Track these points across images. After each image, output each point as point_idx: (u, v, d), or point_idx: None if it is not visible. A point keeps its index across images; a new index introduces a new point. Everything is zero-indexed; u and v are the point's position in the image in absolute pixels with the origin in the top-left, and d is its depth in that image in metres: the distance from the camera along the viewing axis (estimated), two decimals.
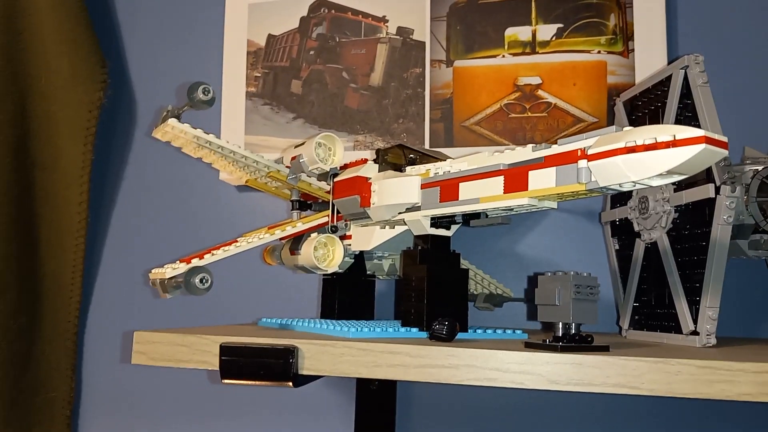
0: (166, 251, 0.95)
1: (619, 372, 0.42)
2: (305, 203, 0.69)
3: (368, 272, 0.69)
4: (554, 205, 0.49)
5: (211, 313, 0.92)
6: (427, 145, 0.83)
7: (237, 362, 0.47)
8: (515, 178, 0.48)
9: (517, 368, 0.43)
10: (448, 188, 0.53)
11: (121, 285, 0.97)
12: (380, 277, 0.71)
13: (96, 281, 0.98)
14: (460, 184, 0.52)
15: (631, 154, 0.39)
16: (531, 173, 0.47)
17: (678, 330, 0.57)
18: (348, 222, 0.66)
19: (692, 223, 0.58)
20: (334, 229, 0.65)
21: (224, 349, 0.47)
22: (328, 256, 0.64)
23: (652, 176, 0.39)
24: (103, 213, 0.99)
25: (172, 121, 0.58)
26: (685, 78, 0.60)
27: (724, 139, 0.38)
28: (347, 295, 0.68)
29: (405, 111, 0.86)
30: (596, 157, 0.41)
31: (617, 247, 0.71)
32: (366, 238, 0.64)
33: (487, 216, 0.53)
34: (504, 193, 0.49)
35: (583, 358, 0.43)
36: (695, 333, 0.55)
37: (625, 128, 0.41)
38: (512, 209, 0.50)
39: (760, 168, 0.61)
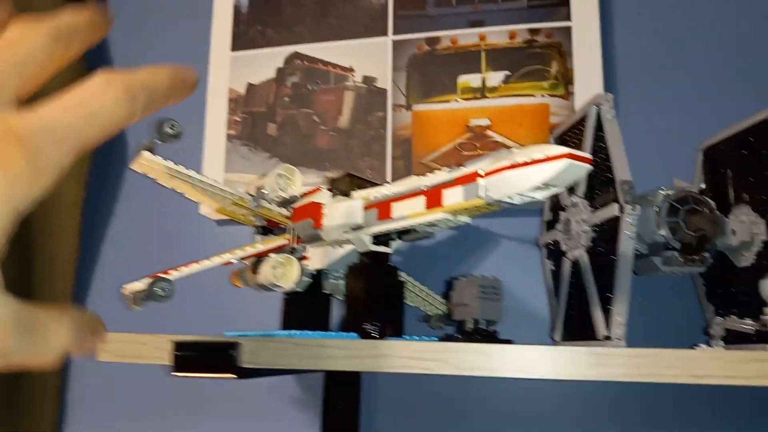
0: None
1: (516, 358, 0.49)
2: (268, 229, 0.77)
3: (326, 291, 0.76)
4: (468, 219, 0.56)
5: (181, 328, 0.98)
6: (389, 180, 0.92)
7: (187, 357, 0.53)
8: (433, 196, 0.56)
9: (429, 356, 0.50)
10: (384, 208, 0.61)
11: (108, 310, 1.04)
12: (339, 298, 0.78)
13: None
14: (392, 204, 0.60)
15: (513, 170, 0.47)
16: (444, 192, 0.54)
17: (594, 336, 0.63)
18: (306, 244, 0.73)
19: (605, 240, 0.65)
20: (293, 251, 0.72)
21: (177, 345, 0.54)
22: (286, 274, 0.71)
23: (530, 188, 0.46)
24: (93, 245, 1.07)
25: (145, 153, 0.66)
26: (598, 114, 0.68)
27: (588, 156, 0.45)
28: (305, 311, 0.74)
29: (369, 150, 0.94)
30: (489, 174, 0.49)
31: (552, 267, 0.78)
32: (320, 257, 0.71)
33: (416, 231, 0.60)
34: (426, 209, 0.56)
35: (485, 347, 0.49)
36: (608, 338, 0.61)
37: (513, 150, 0.49)
38: (434, 224, 0.58)
39: (670, 192, 0.68)
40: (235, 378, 0.52)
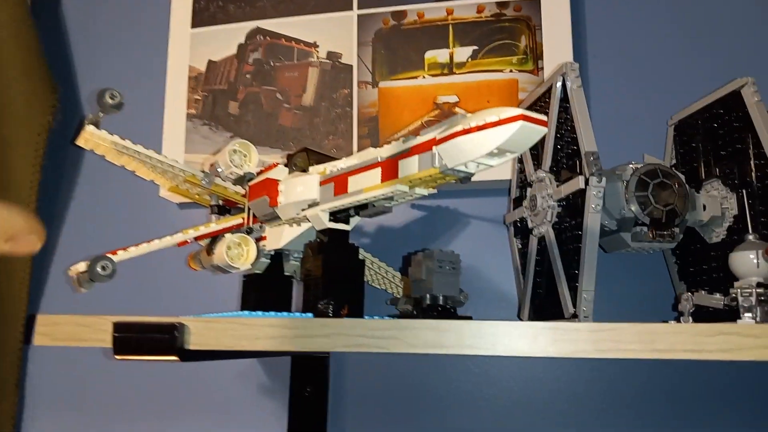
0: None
1: (473, 335, 0.46)
2: (225, 209, 0.74)
3: (286, 273, 0.73)
4: (425, 192, 0.53)
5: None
6: None
7: (128, 338, 0.50)
8: (389, 168, 0.53)
9: (381, 334, 0.47)
10: (340, 183, 0.58)
11: (67, 300, 1.01)
12: (299, 280, 0.75)
13: (42, 297, 1.02)
14: (349, 178, 0.57)
15: (467, 135, 0.44)
16: (400, 162, 0.52)
17: (562, 315, 0.61)
18: (263, 224, 0.70)
19: (571, 215, 0.62)
20: (249, 231, 0.69)
21: (117, 326, 0.51)
22: (242, 255, 0.68)
23: (485, 154, 0.44)
24: (52, 231, 1.03)
25: (90, 128, 0.63)
26: (564, 84, 0.65)
27: (543, 117, 0.43)
28: (265, 294, 0.71)
29: (335, 128, 0.91)
30: (442, 141, 0.46)
31: (519, 246, 0.76)
32: (277, 236, 0.68)
33: (374, 206, 0.57)
34: (381, 182, 0.54)
35: (440, 323, 0.47)
36: (575, 316, 0.59)
37: (468, 114, 0.46)
38: (392, 197, 0.55)
39: (639, 165, 0.66)
40: (177, 360, 0.49)
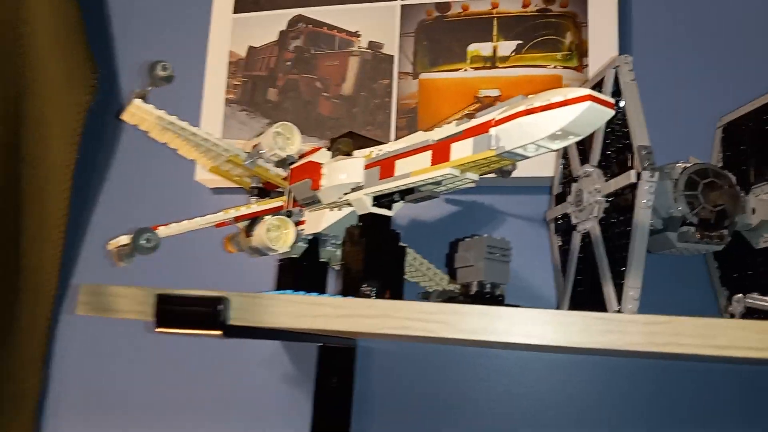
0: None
1: (522, 322, 0.45)
2: (265, 192, 0.73)
3: (323, 260, 0.73)
4: (475, 177, 0.52)
5: None
6: None
7: (170, 311, 0.50)
8: (440, 151, 0.52)
9: (430, 317, 0.46)
10: (386, 166, 0.57)
11: (98, 278, 1.01)
12: (336, 267, 0.74)
13: (73, 277, 1.02)
14: (396, 162, 0.56)
15: (529, 115, 0.43)
16: (453, 145, 0.51)
17: (605, 311, 0.60)
18: (303, 208, 0.69)
19: (619, 210, 0.61)
20: (289, 214, 0.69)
21: (160, 299, 0.50)
22: (281, 237, 0.67)
23: (547, 136, 0.43)
24: (85, 211, 1.03)
25: (137, 101, 0.62)
26: (616, 77, 0.64)
27: (611, 100, 0.42)
28: (299, 278, 0.70)
29: (373, 119, 0.90)
30: (502, 122, 0.45)
31: (560, 243, 0.74)
32: (317, 221, 0.67)
33: (420, 191, 0.56)
34: (431, 165, 0.53)
35: (491, 309, 0.45)
36: (619, 312, 0.58)
37: (530, 96, 0.45)
38: (439, 182, 0.54)
39: (689, 165, 0.65)
40: (220, 336, 0.49)
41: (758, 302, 0.62)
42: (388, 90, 0.90)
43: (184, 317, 0.49)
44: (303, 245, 0.70)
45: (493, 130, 0.46)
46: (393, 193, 0.59)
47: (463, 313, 0.46)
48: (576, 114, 0.40)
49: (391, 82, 0.90)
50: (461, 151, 0.50)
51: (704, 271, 0.77)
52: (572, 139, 0.44)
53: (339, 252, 0.74)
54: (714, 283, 0.75)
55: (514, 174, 0.65)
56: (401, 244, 0.62)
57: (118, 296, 0.52)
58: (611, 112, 0.41)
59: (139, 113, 0.64)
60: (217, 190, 0.98)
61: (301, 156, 0.69)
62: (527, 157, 0.47)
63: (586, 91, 0.40)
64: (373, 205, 0.60)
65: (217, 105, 0.96)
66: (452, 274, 0.56)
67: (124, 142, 1.05)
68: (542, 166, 0.82)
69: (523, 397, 0.84)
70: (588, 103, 0.40)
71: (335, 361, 0.88)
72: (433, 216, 0.91)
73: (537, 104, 0.42)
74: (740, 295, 0.64)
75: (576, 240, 0.68)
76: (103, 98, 1.02)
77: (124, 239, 0.59)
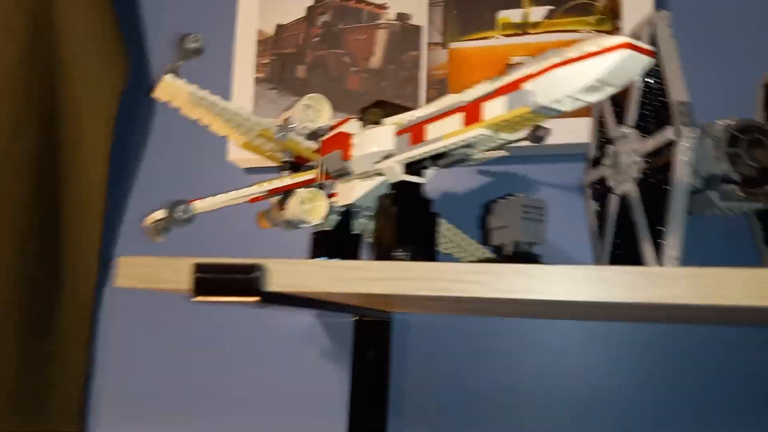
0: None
1: (560, 279, 0.44)
2: (296, 165, 0.73)
3: (356, 232, 0.72)
4: (509, 137, 0.51)
5: None
6: None
7: (208, 279, 0.50)
8: (472, 111, 0.51)
9: (467, 278, 0.46)
10: (417, 132, 0.57)
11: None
12: (368, 240, 0.74)
13: (112, 259, 1.04)
14: (427, 126, 0.56)
15: (564, 66, 0.42)
16: (485, 105, 0.50)
17: None
18: (335, 180, 0.69)
19: (658, 170, 0.59)
20: (321, 186, 0.69)
21: (198, 267, 0.51)
22: (314, 209, 0.67)
23: (584, 87, 0.42)
24: (121, 194, 1.05)
25: (168, 76, 0.63)
26: (653, 35, 0.62)
27: (649, 47, 0.40)
28: (333, 250, 0.70)
29: (402, 92, 0.90)
30: (536, 75, 0.44)
31: (597, 207, 0.73)
32: (349, 192, 0.67)
33: (452, 155, 0.56)
34: (463, 127, 0.52)
35: (527, 268, 0.45)
36: None
37: (563, 48, 0.44)
38: (472, 144, 0.53)
39: (730, 122, 0.63)
40: (258, 302, 0.49)
41: None
42: (416, 61, 0.89)
43: (222, 285, 0.50)
44: (336, 217, 0.70)
45: (526, 85, 0.45)
46: (425, 159, 0.58)
47: (500, 272, 0.45)
48: (613, 62, 0.39)
49: (420, 54, 0.89)
50: (494, 109, 0.49)
51: (748, 232, 0.75)
52: (609, 91, 0.42)
53: (371, 224, 0.73)
54: (758, 244, 0.73)
55: (549, 141, 0.64)
56: (434, 211, 0.61)
57: (155, 266, 0.53)
58: (649, 60, 0.40)
59: (170, 89, 0.64)
60: (250, 170, 0.99)
61: (332, 128, 0.69)
62: (564, 111, 0.46)
63: (623, 39, 0.39)
64: (405, 172, 0.60)
65: (246, 84, 0.96)
66: (486, 236, 0.56)
67: (158, 125, 1.06)
68: (577, 133, 0.81)
69: (562, 369, 0.83)
70: (625, 51, 0.39)
71: (371, 334, 0.88)
72: (467, 187, 0.90)
73: (571, 55, 0.41)
74: None
75: (613, 203, 0.66)
76: (134, 80, 1.03)
77: (160, 213, 0.60)
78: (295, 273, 0.49)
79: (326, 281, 0.48)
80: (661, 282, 0.42)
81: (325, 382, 0.91)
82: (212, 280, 0.50)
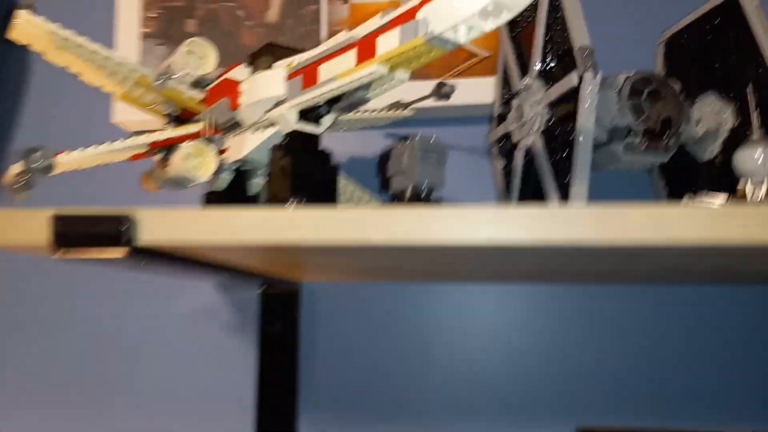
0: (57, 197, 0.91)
1: (466, 221, 0.41)
2: (181, 119, 0.67)
3: (251, 194, 0.67)
4: (407, 75, 0.48)
5: None
6: None
7: (69, 232, 0.44)
8: (365, 47, 0.47)
9: (361, 222, 0.42)
10: (310, 74, 0.52)
11: None
12: (264, 202, 0.69)
13: None
14: (319, 67, 0.51)
15: None
16: (378, 39, 0.46)
17: None
18: (224, 134, 0.63)
19: (562, 118, 0.58)
20: (209, 141, 0.63)
21: (57, 219, 0.44)
22: (201, 165, 0.61)
23: (478, 11, 0.38)
24: None
25: (23, 13, 0.55)
26: None
27: None
28: None
29: (301, 48, 0.84)
30: (427, 1, 0.41)
31: (503, 164, 0.71)
32: (240, 145, 0.62)
33: (348, 98, 0.51)
34: (357, 64, 0.48)
35: (423, 211, 0.41)
36: None
37: None
38: (368, 84, 0.49)
39: (631, 73, 0.62)
40: (126, 257, 0.43)
41: (706, 201, 0.60)
42: (316, 16, 0.84)
43: (85, 238, 0.43)
44: (228, 176, 0.65)
45: (419, 14, 0.42)
46: (320, 105, 0.54)
47: (397, 215, 0.41)
48: None
49: (320, 8, 0.84)
50: (388, 43, 0.45)
51: (651, 189, 0.75)
52: (506, 16, 0.39)
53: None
54: (661, 200, 0.74)
55: (455, 102, 0.61)
56: (334, 164, 0.57)
57: (7, 222, 0.46)
58: None
59: (28, 28, 0.56)
60: (138, 134, 0.90)
61: (219, 76, 0.63)
62: (460, 42, 0.42)
63: None
64: (300, 120, 0.55)
65: (131, 40, 0.88)
66: (386, 185, 0.52)
67: (32, 84, 0.96)
68: (484, 93, 0.79)
69: (476, 332, 0.81)
70: None
71: (278, 306, 0.83)
72: (372, 152, 0.86)
73: None
74: (691, 194, 0.62)
75: (518, 158, 0.64)
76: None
77: (17, 166, 0.53)
78: (169, 224, 0.44)
79: (202, 231, 0.43)
80: (566, 221, 0.40)
81: (231, 360, 0.86)
82: (74, 233, 0.44)
